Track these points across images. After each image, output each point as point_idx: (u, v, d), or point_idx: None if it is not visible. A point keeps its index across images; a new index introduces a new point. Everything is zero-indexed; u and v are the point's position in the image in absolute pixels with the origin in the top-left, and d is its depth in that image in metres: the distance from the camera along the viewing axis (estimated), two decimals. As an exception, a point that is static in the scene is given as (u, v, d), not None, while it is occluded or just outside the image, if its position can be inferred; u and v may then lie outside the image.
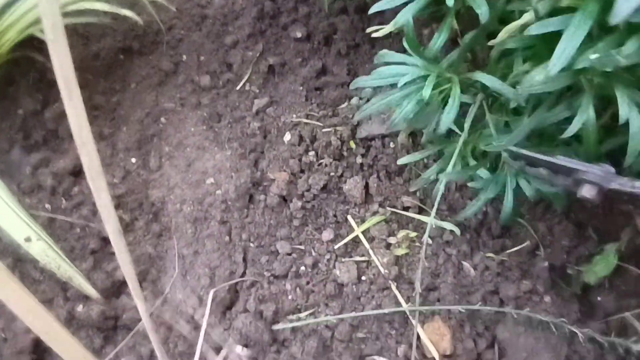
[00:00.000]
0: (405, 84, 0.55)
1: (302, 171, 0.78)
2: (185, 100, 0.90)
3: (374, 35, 0.64)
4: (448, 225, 0.73)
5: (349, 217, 0.75)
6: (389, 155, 0.78)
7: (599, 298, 0.72)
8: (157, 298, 0.71)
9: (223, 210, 0.75)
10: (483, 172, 0.62)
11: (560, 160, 0.48)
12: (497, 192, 0.61)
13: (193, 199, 0.78)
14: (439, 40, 0.56)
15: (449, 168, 0.62)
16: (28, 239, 0.62)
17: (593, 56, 0.44)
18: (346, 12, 0.93)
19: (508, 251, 0.71)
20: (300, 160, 0.78)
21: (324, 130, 0.81)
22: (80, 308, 0.68)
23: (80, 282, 0.67)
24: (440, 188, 0.65)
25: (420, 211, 0.75)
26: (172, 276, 0.72)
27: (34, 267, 0.72)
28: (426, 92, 0.52)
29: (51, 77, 0.90)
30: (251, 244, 0.73)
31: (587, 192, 0.46)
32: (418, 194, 0.76)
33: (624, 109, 0.45)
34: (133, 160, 0.84)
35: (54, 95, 0.89)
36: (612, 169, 0.46)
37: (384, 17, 0.84)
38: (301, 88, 0.87)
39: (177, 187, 0.81)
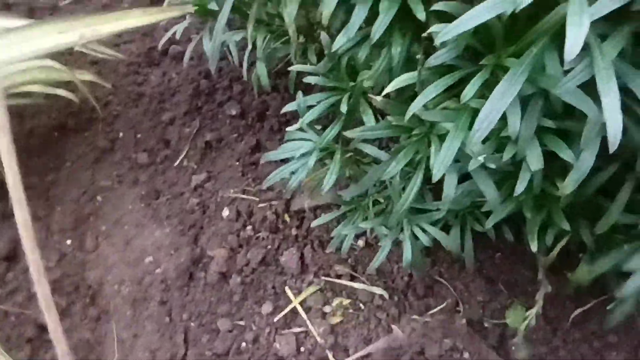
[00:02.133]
0: (301, 155, 0.65)
1: (240, 246, 0.82)
2: (122, 177, 0.92)
3: (288, 129, 0.71)
4: (378, 290, 0.79)
5: (286, 288, 0.79)
6: (321, 226, 0.85)
7: (513, 348, 0.80)
8: (97, 385, 0.70)
9: (163, 290, 0.77)
10: (381, 225, 0.70)
11: None
12: (394, 239, 0.69)
13: (132, 279, 0.79)
14: (331, 132, 0.66)
15: (355, 222, 0.72)
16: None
17: (481, 157, 0.53)
18: (277, 90, 1.00)
19: (431, 311, 0.79)
20: (238, 235, 0.82)
21: (259, 205, 0.86)
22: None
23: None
24: (347, 242, 0.74)
25: (352, 278, 0.81)
26: (111, 361, 0.72)
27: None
28: (311, 162, 0.65)
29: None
30: (192, 323, 0.75)
31: None
32: (350, 261, 0.83)
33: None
34: (68, 242, 0.84)
35: (-17, 178, 0.88)
36: None
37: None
38: (237, 163, 0.92)
39: (115, 267, 0.82)
